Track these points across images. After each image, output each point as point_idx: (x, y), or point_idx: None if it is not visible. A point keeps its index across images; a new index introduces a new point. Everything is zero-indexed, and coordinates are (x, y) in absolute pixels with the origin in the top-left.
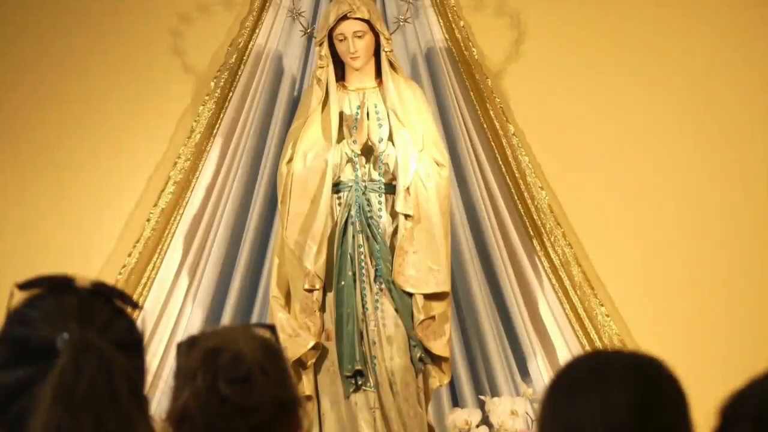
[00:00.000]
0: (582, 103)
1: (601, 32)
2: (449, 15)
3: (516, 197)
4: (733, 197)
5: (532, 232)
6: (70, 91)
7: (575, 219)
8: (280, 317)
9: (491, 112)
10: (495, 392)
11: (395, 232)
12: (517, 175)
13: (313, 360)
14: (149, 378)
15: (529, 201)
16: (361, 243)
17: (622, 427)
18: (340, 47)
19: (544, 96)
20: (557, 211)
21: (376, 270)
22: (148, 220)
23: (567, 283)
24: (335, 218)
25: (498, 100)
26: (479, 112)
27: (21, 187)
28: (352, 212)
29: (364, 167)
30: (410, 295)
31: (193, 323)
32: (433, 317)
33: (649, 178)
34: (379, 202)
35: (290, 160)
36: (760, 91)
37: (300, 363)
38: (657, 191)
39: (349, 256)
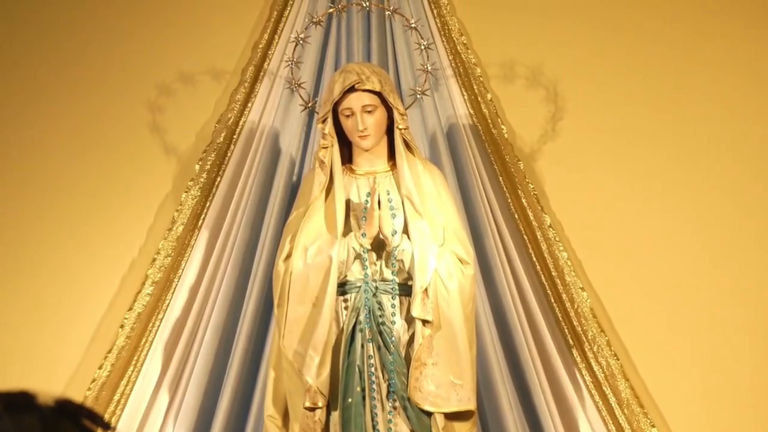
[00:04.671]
0: (629, 190)
1: (650, 106)
2: (475, 86)
3: (552, 300)
4: None
5: (571, 341)
6: (32, 174)
7: (622, 325)
8: None
9: (524, 200)
10: None
11: (411, 340)
12: (554, 273)
13: None
14: None
15: (567, 304)
16: (372, 353)
17: None
18: (347, 124)
19: (584, 182)
20: (601, 316)
21: (389, 385)
22: (122, 327)
23: (612, 400)
24: (341, 324)
25: (531, 186)
26: (510, 200)
27: None
28: (361, 317)
29: (375, 265)
30: (429, 414)
31: None
32: None
33: (708, 275)
34: (393, 306)
35: (288, 256)
36: None
37: None
38: (716, 290)
39: (357, 368)
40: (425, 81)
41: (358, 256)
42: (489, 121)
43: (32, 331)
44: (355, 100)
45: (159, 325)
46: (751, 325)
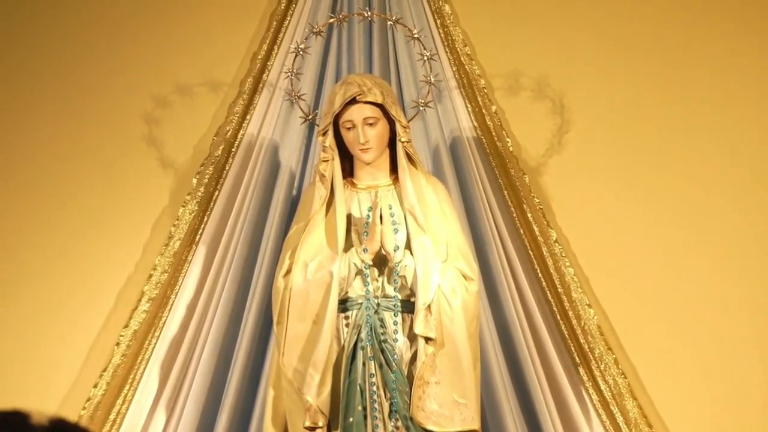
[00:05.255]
0: (638, 204)
1: (659, 119)
2: (479, 98)
3: (559, 317)
4: None
5: (578, 359)
6: (24, 189)
7: (629, 343)
8: None
9: (529, 215)
10: None
11: (414, 358)
12: (560, 290)
13: None
14: None
15: (574, 321)
16: (373, 371)
17: None
18: (348, 137)
19: (592, 196)
20: (608, 334)
21: (391, 404)
22: (118, 344)
23: (620, 419)
24: (342, 342)
25: (537, 201)
26: (515, 214)
27: None
28: (363, 335)
29: (377, 281)
30: None
31: None
32: None
33: (719, 293)
34: (395, 323)
35: (288, 272)
36: None
37: None
38: (727, 308)
39: (358, 387)
40: (428, 93)
41: (359, 272)
42: (493, 133)
43: (26, 348)
44: (356, 113)
45: (156, 343)
46: (763, 344)
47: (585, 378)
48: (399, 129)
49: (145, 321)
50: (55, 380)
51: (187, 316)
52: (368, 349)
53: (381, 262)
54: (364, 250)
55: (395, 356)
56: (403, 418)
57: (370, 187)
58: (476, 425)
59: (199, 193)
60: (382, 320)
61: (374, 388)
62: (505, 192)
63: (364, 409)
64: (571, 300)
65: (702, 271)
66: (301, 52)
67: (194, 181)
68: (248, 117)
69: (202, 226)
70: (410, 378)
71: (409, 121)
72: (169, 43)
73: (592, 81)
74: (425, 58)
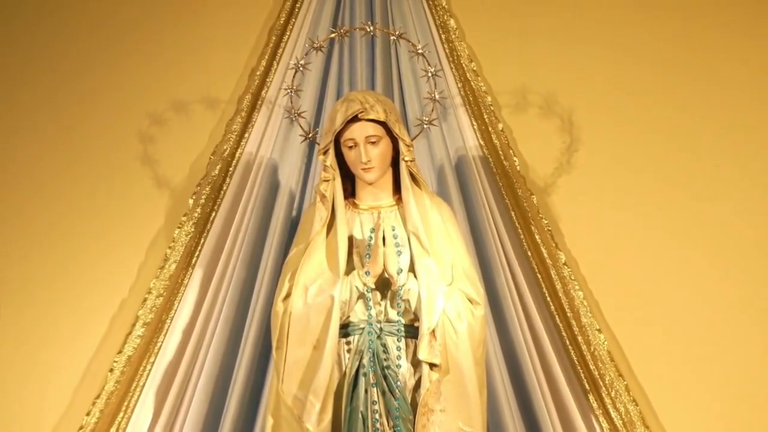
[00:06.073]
0: (649, 226)
1: (670, 137)
2: (485, 116)
3: (568, 342)
4: None
5: (587, 386)
6: (16, 209)
7: (641, 369)
8: None
9: (537, 237)
10: None
11: (418, 385)
12: (569, 314)
13: None
14: None
15: (584, 347)
16: (376, 399)
17: None
18: (350, 156)
19: (601, 217)
20: (619, 360)
21: None
22: (112, 371)
23: None
24: (343, 368)
25: (545, 222)
26: (522, 236)
27: None
28: (365, 360)
29: (380, 305)
30: None
31: None
32: None
33: (732, 317)
34: (398, 348)
35: (287, 295)
36: None
37: None
38: (742, 333)
39: (360, 414)
40: (433, 110)
41: (361, 296)
42: (500, 152)
43: (16, 375)
44: (358, 131)
45: (150, 369)
46: None
47: (595, 406)
48: (402, 147)
49: (139, 346)
50: (46, 407)
51: (183, 341)
52: (371, 376)
53: (384, 285)
54: (366, 273)
55: (398, 383)
56: None
57: (373, 208)
58: None
59: (196, 214)
60: (384, 345)
61: (377, 416)
62: (513, 213)
63: None
64: (581, 325)
65: (718, 296)
66: (301, 68)
67: (191, 201)
68: (246, 135)
69: (199, 248)
70: (414, 405)
71: (412, 140)
72: (164, 58)
73: (603, 97)
74: (429, 74)
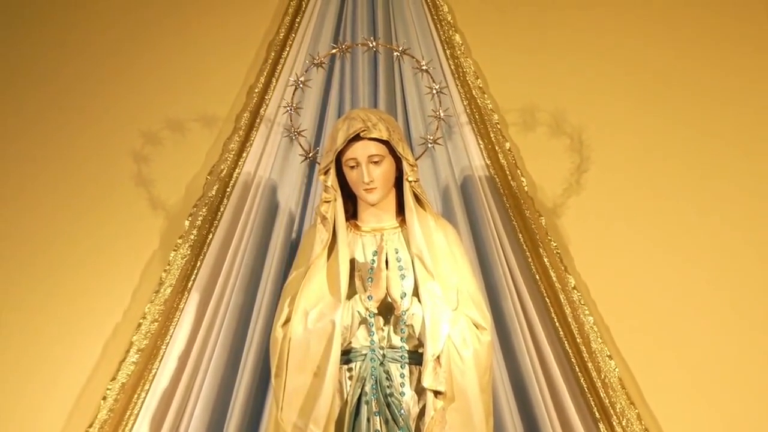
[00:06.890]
0: (661, 249)
1: (683, 156)
2: (492, 134)
3: (577, 369)
4: None
5: (598, 414)
6: (5, 232)
7: (653, 397)
8: None
9: (545, 260)
10: None
11: (422, 413)
12: (578, 340)
13: None
14: None
15: (594, 374)
16: (379, 427)
17: None
18: (352, 176)
19: (612, 240)
20: (630, 387)
21: None
22: (105, 398)
23: None
24: (345, 396)
25: (554, 244)
26: (530, 259)
27: None
28: (367, 388)
29: (382, 330)
30: None
31: None
32: None
33: (746, 343)
34: (402, 375)
35: (287, 320)
36: None
37: None
38: (755, 359)
39: None
40: (437, 128)
41: (363, 321)
42: (507, 172)
43: (6, 402)
44: (360, 150)
45: (145, 397)
46: None
47: None
48: (406, 167)
49: (133, 373)
50: None
51: (179, 368)
52: (373, 404)
53: (387, 310)
54: (368, 298)
55: (402, 411)
56: None
57: (375, 230)
58: None
59: (192, 236)
60: (387, 372)
61: None
62: (520, 235)
63: None
64: (591, 351)
65: (734, 323)
66: (301, 85)
67: (186, 223)
68: (244, 154)
69: (195, 271)
70: None
71: (416, 159)
72: (159, 75)
73: (613, 116)
74: (434, 91)
